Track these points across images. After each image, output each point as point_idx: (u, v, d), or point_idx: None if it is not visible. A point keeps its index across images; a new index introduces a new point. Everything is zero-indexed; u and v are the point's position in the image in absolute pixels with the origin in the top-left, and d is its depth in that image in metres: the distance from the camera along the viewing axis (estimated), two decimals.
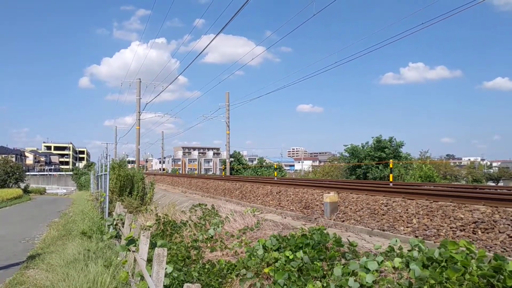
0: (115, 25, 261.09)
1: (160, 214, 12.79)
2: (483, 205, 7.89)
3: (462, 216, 7.56)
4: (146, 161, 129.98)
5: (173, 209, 14.10)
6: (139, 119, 36.67)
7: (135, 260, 6.11)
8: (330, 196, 10.50)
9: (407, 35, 15.30)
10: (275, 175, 23.51)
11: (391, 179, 14.69)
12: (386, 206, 9.49)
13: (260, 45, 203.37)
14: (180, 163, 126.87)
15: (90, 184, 34.53)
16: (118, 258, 8.07)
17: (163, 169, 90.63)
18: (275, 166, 22.76)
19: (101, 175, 18.00)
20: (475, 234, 6.88)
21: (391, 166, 14.20)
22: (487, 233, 6.76)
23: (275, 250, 6.82)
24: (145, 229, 10.56)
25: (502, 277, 4.26)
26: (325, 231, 7.33)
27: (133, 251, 6.22)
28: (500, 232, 6.62)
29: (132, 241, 6.31)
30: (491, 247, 6.29)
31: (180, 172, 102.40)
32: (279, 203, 13.51)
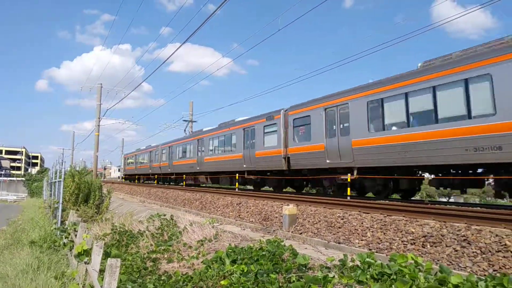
0: (77, 28, 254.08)
1: (116, 223, 12.47)
2: (433, 220, 8.28)
3: (413, 230, 7.89)
4: (105, 169, 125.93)
5: (130, 219, 13.77)
6: (99, 125, 35.67)
7: (87, 271, 5.93)
8: (289, 209, 10.64)
9: (368, 54, 15.82)
10: (236, 186, 23.46)
11: (348, 193, 15.05)
12: (342, 219, 9.73)
13: (226, 56, 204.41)
14: None
15: (43, 191, 33.02)
16: (70, 269, 7.78)
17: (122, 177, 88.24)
18: (236, 178, 22.73)
19: (55, 182, 17.31)
20: (424, 247, 7.19)
21: (349, 180, 14.55)
22: (435, 246, 7.09)
23: (232, 262, 6.82)
24: (100, 239, 10.26)
25: None
26: (282, 243, 7.43)
27: (86, 262, 6.03)
28: (447, 246, 6.96)
29: (84, 251, 6.12)
30: (438, 260, 6.59)
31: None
32: (239, 215, 13.52)
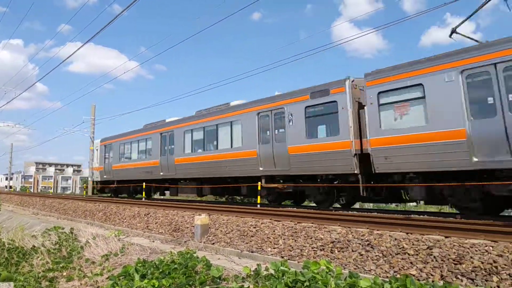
0: None
1: (4, 239, 11.11)
2: (339, 226, 8.73)
3: (322, 236, 8.22)
4: None
5: (21, 234, 12.33)
6: None
7: None
8: (201, 219, 10.42)
9: (275, 66, 16.53)
10: (143, 195, 22.48)
11: (258, 201, 15.29)
12: (255, 227, 9.80)
13: (133, 60, 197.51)
14: (32, 180, 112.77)
15: None
16: None
17: (10, 187, 79.50)
18: (143, 186, 21.79)
19: None
20: (332, 253, 7.52)
21: (259, 188, 14.80)
22: (343, 251, 7.45)
23: (141, 277, 6.42)
24: None
25: None
26: (195, 255, 7.20)
27: None
28: (353, 251, 7.35)
29: None
30: (346, 265, 6.93)
31: (32, 190, 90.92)
32: (147, 226, 12.91)
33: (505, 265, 5.65)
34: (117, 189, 26.94)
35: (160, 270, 6.55)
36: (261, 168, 14.84)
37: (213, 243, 9.70)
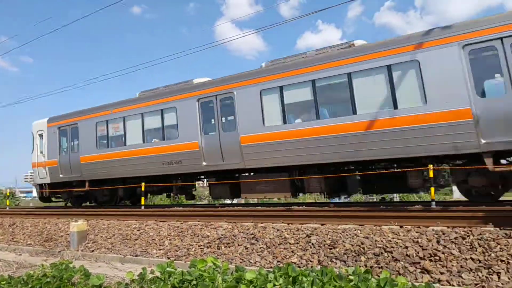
0: None
1: None
2: (225, 222, 8.86)
3: (209, 233, 8.25)
4: None
5: None
6: None
7: None
8: (78, 225, 9.62)
9: (157, 63, 16.02)
10: (8, 204, 19.91)
11: (142, 202, 14.70)
12: (138, 230, 9.40)
13: None
14: None
15: None
16: None
17: None
18: (7, 194, 19.30)
19: None
20: (219, 249, 7.59)
21: (143, 189, 14.22)
22: (229, 247, 7.58)
23: None
24: None
25: (243, 286, 4.82)
26: (71, 265, 6.61)
27: None
28: (239, 245, 7.53)
29: None
30: (232, 260, 7.06)
31: None
32: (13, 238, 11.46)
33: (370, 245, 6.36)
34: (88, 194, 17.11)
35: (30, 286, 5.86)
36: (483, 141, 8.59)
37: (92, 251, 9.03)
